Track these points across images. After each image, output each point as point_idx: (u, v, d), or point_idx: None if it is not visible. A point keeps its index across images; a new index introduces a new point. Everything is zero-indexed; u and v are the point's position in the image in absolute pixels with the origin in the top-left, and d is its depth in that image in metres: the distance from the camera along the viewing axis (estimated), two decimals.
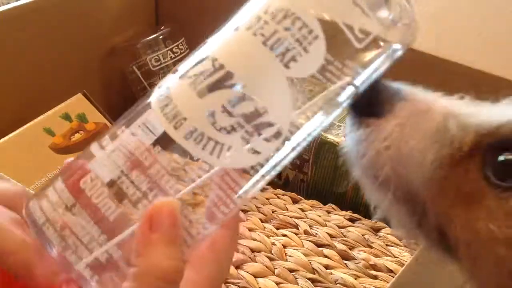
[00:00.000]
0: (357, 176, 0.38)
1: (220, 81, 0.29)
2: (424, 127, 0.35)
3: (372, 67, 0.31)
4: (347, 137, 0.38)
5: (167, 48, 0.89)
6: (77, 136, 0.78)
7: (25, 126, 0.75)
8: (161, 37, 0.90)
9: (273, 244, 0.66)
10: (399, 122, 0.36)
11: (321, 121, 0.31)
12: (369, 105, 0.35)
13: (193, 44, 0.93)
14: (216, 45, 0.30)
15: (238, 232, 0.36)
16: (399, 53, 0.32)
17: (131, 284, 0.29)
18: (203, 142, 0.29)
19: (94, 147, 0.30)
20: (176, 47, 0.90)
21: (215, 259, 0.34)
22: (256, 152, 0.29)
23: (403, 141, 0.35)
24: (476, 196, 0.33)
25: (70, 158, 0.33)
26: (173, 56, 0.89)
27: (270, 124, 0.29)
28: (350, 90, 0.31)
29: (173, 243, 0.30)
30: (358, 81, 0.31)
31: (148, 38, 0.89)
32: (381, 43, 0.30)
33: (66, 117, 0.79)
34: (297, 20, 0.29)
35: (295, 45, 0.29)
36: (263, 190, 0.76)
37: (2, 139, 0.73)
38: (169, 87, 0.30)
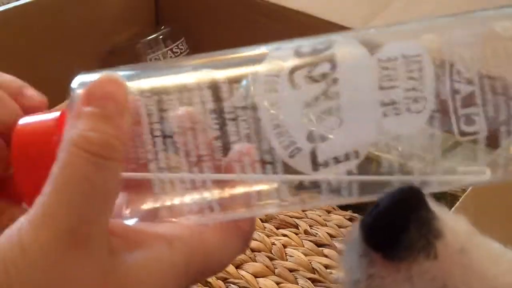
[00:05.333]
0: None
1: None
2: None
3: None
4: (347, 256, 0.28)
5: (167, 48, 0.89)
6: None
7: None
8: (161, 37, 0.90)
9: (273, 243, 0.66)
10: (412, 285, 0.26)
11: None
12: (386, 239, 0.26)
13: (193, 44, 0.93)
14: None
15: (247, 238, 0.30)
16: None
17: (60, 156, 0.26)
18: None
19: None
20: (176, 47, 0.90)
21: (204, 248, 0.28)
22: None
23: None
24: None
25: None
26: (173, 56, 0.89)
27: None
28: None
29: (105, 118, 0.27)
30: None
31: (148, 38, 0.89)
32: None
33: None
34: None
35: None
36: None
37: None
38: None
